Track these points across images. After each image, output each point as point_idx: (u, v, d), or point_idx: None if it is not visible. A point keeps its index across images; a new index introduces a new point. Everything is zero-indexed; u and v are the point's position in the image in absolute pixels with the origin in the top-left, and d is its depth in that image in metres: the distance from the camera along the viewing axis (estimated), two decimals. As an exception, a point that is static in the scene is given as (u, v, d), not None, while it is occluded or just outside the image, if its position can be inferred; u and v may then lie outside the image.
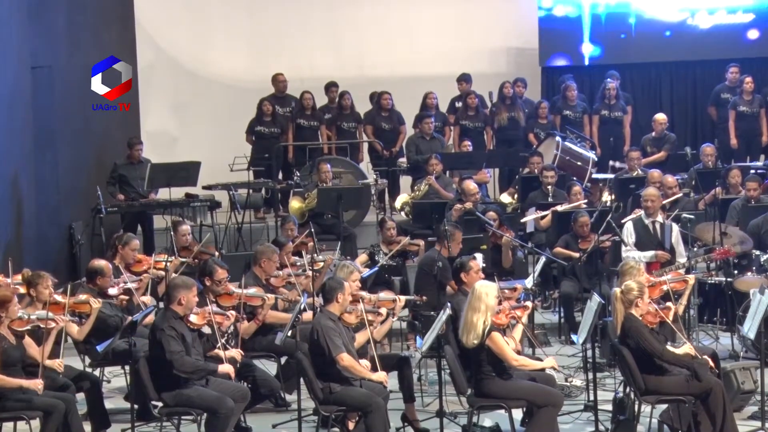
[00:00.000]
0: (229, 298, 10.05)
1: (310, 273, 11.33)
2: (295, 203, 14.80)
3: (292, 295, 10.87)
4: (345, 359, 9.06)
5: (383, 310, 9.63)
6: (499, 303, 9.29)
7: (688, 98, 18.78)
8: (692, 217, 12.63)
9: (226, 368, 9.19)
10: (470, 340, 9.08)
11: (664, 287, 10.23)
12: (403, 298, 10.33)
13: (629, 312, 9.20)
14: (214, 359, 9.28)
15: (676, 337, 9.53)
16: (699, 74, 18.64)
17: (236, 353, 9.53)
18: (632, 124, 17.15)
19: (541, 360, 10.10)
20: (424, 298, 11.24)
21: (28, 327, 9.00)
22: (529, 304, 9.80)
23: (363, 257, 12.68)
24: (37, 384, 8.76)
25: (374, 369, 9.23)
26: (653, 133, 16.20)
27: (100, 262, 10.66)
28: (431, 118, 16.27)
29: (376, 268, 12.13)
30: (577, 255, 12.46)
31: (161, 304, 10.31)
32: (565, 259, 12.59)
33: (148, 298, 11.14)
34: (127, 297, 10.63)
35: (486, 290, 9.15)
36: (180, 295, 9.15)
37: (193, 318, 9.24)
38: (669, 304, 9.56)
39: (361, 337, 9.52)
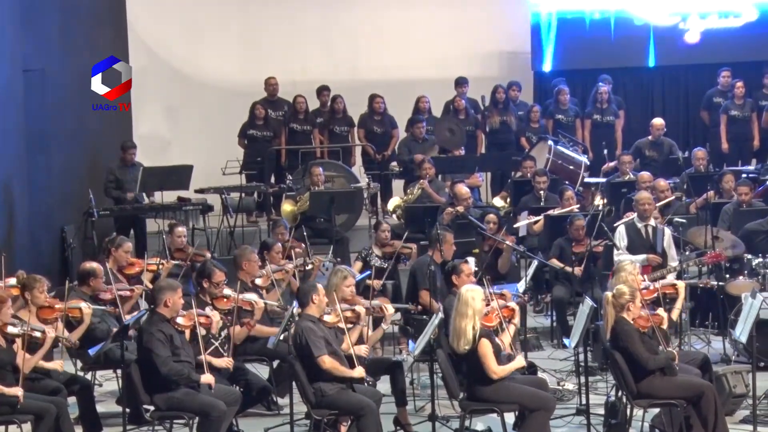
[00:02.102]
0: (225, 302, 10.05)
1: (289, 267, 11.32)
2: (287, 206, 14.80)
3: (274, 295, 10.84)
4: (326, 362, 9.04)
5: (360, 308, 9.60)
6: (487, 304, 9.28)
7: (680, 102, 18.80)
8: (684, 221, 12.65)
9: (207, 378, 9.15)
10: (461, 346, 9.07)
11: (656, 294, 10.15)
12: (391, 308, 10.20)
13: (620, 316, 9.21)
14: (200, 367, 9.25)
15: (670, 342, 9.50)
16: (690, 78, 18.66)
17: (226, 362, 9.52)
18: (624, 129, 17.17)
19: (533, 363, 10.17)
20: (419, 307, 11.23)
21: (19, 333, 8.98)
22: (512, 304, 9.72)
23: (358, 265, 12.62)
24: (16, 392, 8.75)
25: (351, 366, 9.22)
26: (650, 137, 16.17)
27: (92, 264, 10.65)
28: (423, 122, 16.30)
29: (367, 272, 12.13)
30: (569, 269, 12.38)
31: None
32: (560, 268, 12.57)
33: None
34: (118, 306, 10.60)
35: (472, 294, 9.13)
36: (165, 298, 9.14)
37: (180, 320, 9.23)
38: (660, 311, 9.54)
39: (354, 335, 9.51)
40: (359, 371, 9.17)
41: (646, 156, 15.91)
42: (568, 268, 12.36)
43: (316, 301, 9.30)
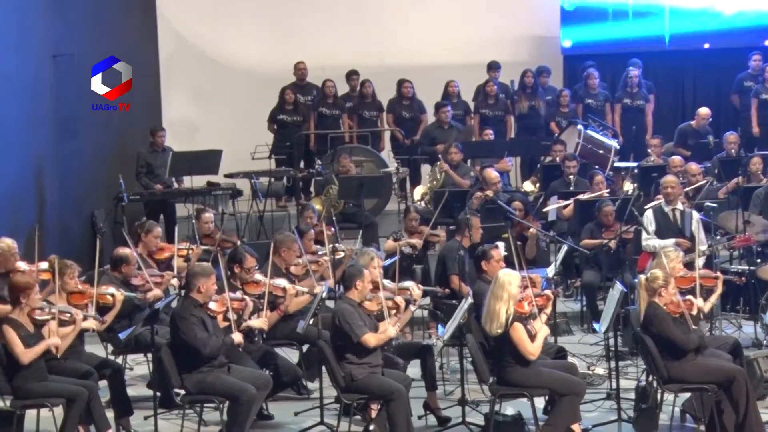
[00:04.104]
0: (255, 287, 10.06)
1: (325, 259, 11.31)
2: (317, 205, 14.51)
3: (309, 283, 10.84)
4: (371, 341, 9.09)
5: (399, 299, 9.61)
6: (523, 290, 9.26)
7: (711, 86, 18.68)
8: (715, 205, 12.59)
9: (236, 337, 9.22)
10: (494, 329, 9.07)
11: (693, 284, 10.05)
12: (417, 288, 10.16)
13: (652, 300, 9.17)
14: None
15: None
16: (722, 63, 18.53)
17: (263, 322, 9.60)
18: (655, 113, 17.07)
19: (563, 348, 10.15)
20: (447, 290, 11.21)
21: (48, 317, 9.03)
22: (548, 292, 9.72)
23: (390, 243, 12.56)
24: (56, 342, 8.92)
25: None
26: (693, 124, 16.03)
27: (125, 250, 10.70)
28: (448, 107, 16.24)
29: (395, 258, 12.12)
30: (605, 241, 12.30)
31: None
32: (594, 246, 12.50)
33: (175, 281, 11.12)
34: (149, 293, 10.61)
35: (509, 279, 9.13)
36: (199, 283, 9.17)
37: (212, 305, 9.26)
38: (690, 297, 9.49)
39: (384, 326, 9.50)
40: (391, 330, 9.27)
41: (688, 144, 15.80)
42: (609, 242, 12.25)
43: (359, 287, 9.32)
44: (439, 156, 15.28)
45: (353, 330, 9.07)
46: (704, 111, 16.09)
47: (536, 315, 9.26)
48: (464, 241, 11.70)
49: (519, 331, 9.02)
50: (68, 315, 9.17)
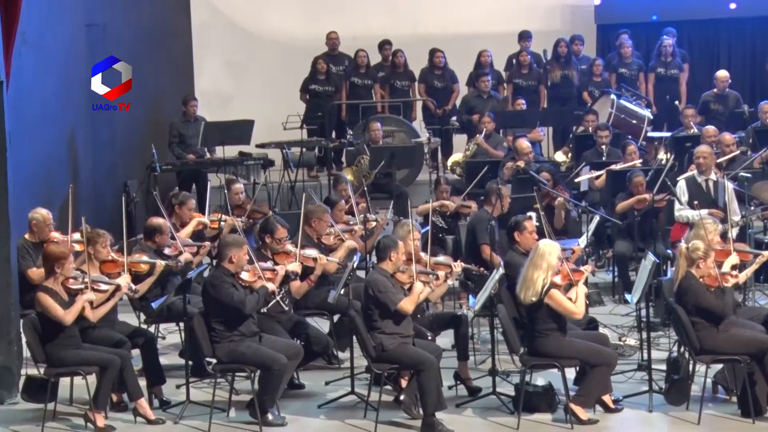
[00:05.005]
0: (286, 257, 10.07)
1: (357, 228, 11.30)
2: (348, 176, 14.55)
3: (340, 253, 10.80)
4: (408, 306, 9.08)
5: (441, 274, 9.59)
6: (560, 263, 9.23)
7: (746, 55, 18.51)
8: (749, 175, 12.49)
9: (270, 285, 9.31)
10: (528, 297, 9.07)
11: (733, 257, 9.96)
12: (459, 264, 10.16)
13: (689, 271, 9.13)
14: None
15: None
16: (757, 31, 18.35)
17: (297, 266, 9.71)
18: (689, 82, 16.93)
19: (594, 319, 10.13)
20: (482, 269, 11.19)
21: (81, 286, 9.08)
22: (587, 268, 9.65)
23: (423, 206, 12.54)
24: (89, 298, 9.07)
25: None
26: (715, 90, 15.93)
27: (159, 220, 10.72)
28: (488, 76, 16.20)
29: (427, 228, 12.09)
30: (646, 196, 12.24)
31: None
32: (623, 214, 12.43)
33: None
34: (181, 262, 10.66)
35: (550, 249, 9.13)
36: (231, 253, 9.20)
37: (244, 275, 9.29)
38: (735, 272, 9.42)
39: (423, 296, 9.50)
40: (418, 285, 9.25)
41: (711, 110, 15.69)
42: (643, 196, 12.17)
43: (393, 259, 9.29)
44: (478, 126, 15.21)
45: (389, 298, 9.06)
46: (722, 73, 15.93)
47: (569, 288, 9.23)
48: (495, 211, 11.68)
49: (557, 296, 9.02)
50: (106, 286, 9.24)
